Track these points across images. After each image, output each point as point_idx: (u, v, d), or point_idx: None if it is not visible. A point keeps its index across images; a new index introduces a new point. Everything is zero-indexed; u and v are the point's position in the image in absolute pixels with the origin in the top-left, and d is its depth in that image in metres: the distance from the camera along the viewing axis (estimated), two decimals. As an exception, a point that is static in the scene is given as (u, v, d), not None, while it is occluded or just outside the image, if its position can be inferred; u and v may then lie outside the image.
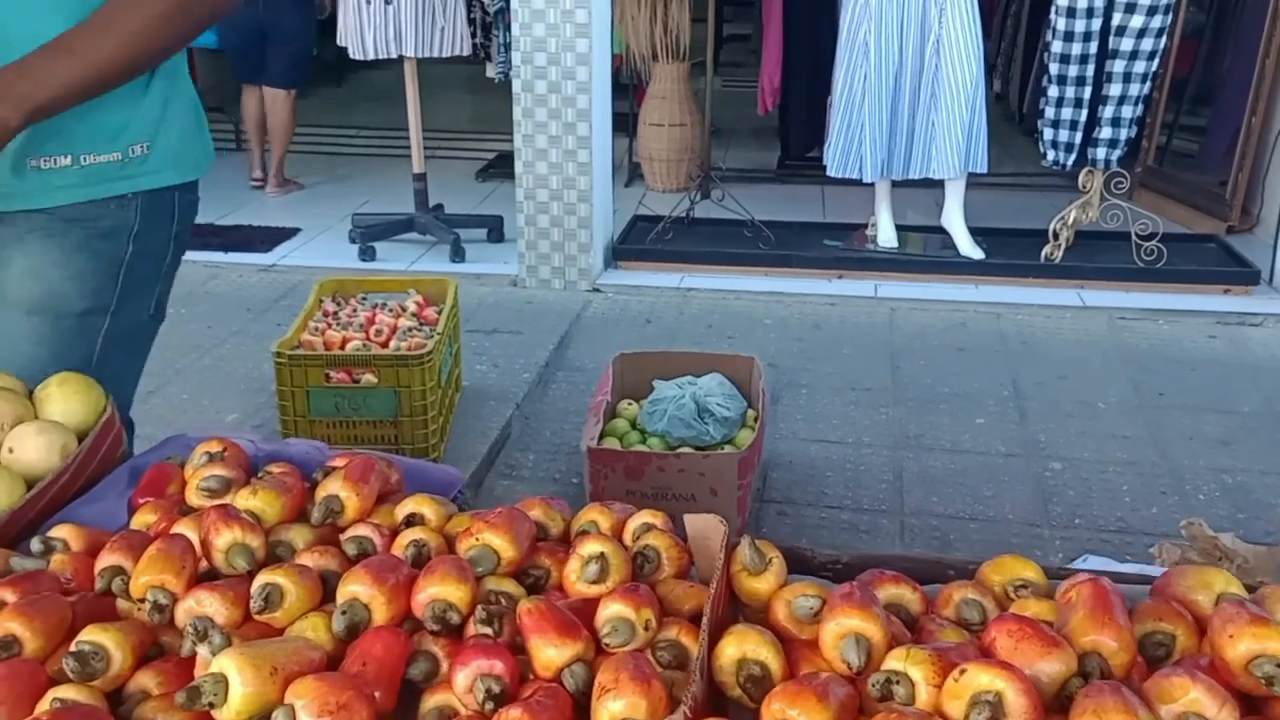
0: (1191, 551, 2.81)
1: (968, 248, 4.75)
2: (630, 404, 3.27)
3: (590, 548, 1.05)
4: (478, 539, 1.07)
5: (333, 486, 1.16)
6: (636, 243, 5.03)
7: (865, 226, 5.02)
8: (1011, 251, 4.80)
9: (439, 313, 3.52)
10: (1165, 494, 3.30)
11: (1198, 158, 5.94)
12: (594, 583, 1.03)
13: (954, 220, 4.78)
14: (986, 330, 4.38)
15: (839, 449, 3.55)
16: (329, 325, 3.39)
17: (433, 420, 3.17)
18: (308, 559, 1.08)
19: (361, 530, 1.13)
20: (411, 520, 1.16)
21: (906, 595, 1.05)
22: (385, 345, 3.30)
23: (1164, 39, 4.53)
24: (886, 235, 4.89)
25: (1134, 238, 4.66)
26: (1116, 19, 4.43)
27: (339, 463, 1.25)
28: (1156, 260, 4.64)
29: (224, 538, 1.06)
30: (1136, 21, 4.40)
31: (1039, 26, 6.65)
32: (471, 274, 4.77)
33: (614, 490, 2.93)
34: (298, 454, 1.32)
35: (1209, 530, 2.80)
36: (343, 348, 3.27)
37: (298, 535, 1.13)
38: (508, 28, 5.12)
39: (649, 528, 1.14)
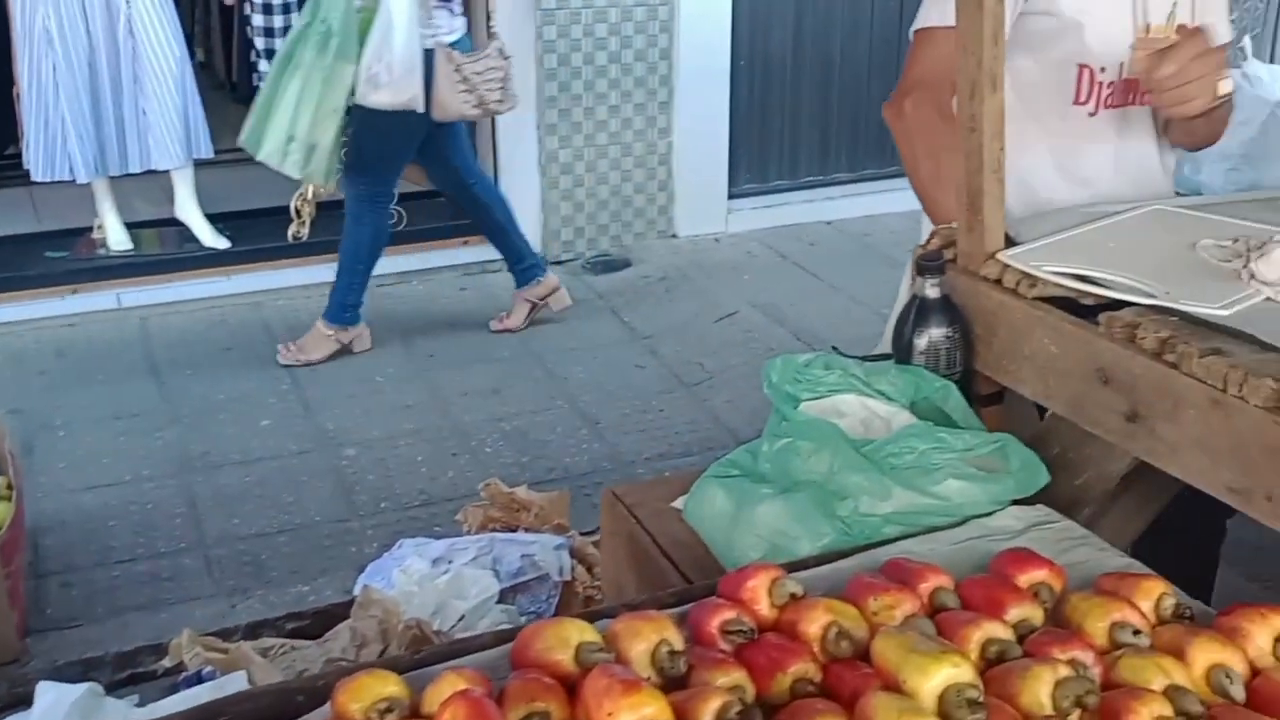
0: (493, 509, 2.95)
1: (210, 238, 4.49)
2: None
3: None
4: None
5: None
6: None
7: (91, 230, 4.52)
8: (257, 235, 4.62)
9: None
10: (456, 455, 3.43)
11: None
12: None
13: (189, 211, 4.47)
14: (249, 322, 4.20)
15: (117, 491, 3.19)
16: None
17: None
18: None
19: None
20: None
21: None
22: None
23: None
24: (117, 237, 4.45)
25: (372, 204, 4.72)
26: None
27: None
28: (399, 223, 4.74)
29: None
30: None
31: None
32: None
33: None
34: None
35: (505, 488, 2.94)
36: None
37: None
38: None
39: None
